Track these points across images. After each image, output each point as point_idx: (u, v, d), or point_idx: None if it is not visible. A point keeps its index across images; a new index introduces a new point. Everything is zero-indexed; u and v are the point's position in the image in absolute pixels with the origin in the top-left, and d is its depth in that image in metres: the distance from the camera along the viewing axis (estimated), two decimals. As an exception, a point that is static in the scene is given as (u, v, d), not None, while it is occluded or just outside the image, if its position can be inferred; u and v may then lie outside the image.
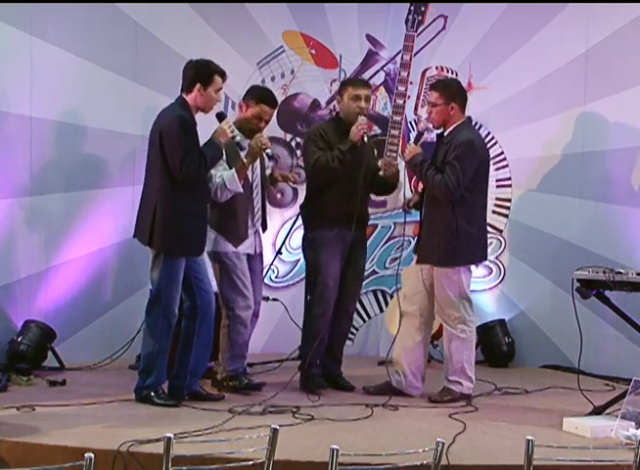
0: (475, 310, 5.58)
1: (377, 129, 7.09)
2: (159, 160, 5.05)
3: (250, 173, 5.51)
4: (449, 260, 5.38)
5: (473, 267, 5.64)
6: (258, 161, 5.58)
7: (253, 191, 5.57)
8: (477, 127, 6.88)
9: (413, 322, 5.53)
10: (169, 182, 5.03)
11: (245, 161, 5.37)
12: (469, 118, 5.56)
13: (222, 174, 5.34)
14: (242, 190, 5.39)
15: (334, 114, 5.91)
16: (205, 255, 5.41)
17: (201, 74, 5.09)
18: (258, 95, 5.60)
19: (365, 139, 5.55)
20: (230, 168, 5.37)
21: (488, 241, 6.86)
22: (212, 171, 5.32)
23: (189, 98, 5.11)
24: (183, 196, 5.05)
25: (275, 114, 6.51)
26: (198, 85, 5.08)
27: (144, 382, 5.16)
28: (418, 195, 5.69)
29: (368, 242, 6.91)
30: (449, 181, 5.28)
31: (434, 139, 5.66)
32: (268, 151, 5.41)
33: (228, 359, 5.54)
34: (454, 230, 5.34)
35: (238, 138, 5.23)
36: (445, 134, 5.47)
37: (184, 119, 5.03)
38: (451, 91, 5.45)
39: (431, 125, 5.71)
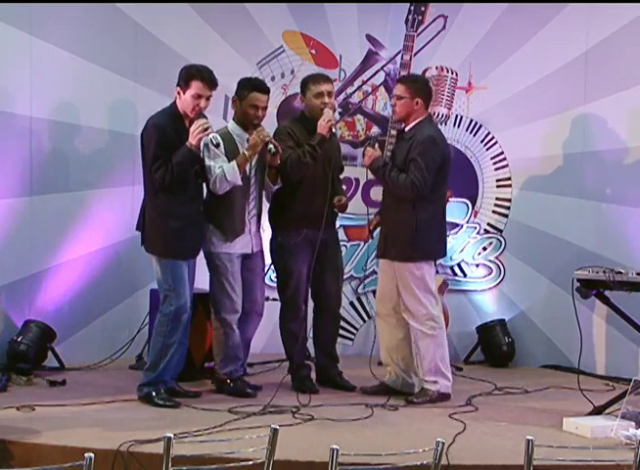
0: (439, 308, 5.50)
1: (377, 129, 7.09)
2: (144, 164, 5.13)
3: (247, 168, 5.41)
4: (410, 255, 5.34)
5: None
6: (258, 157, 5.54)
7: (250, 187, 5.49)
8: (476, 127, 6.89)
9: (389, 321, 5.51)
10: (153, 186, 5.07)
11: (246, 153, 5.29)
12: (430, 115, 5.56)
13: (222, 166, 5.25)
14: (241, 183, 5.31)
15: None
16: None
17: (181, 78, 5.08)
18: (248, 84, 5.49)
19: (333, 130, 5.54)
20: (229, 161, 5.29)
21: (488, 241, 6.93)
22: (212, 163, 5.26)
23: (177, 101, 5.12)
24: (170, 200, 5.06)
25: (275, 114, 6.49)
26: (177, 89, 5.07)
27: (147, 378, 5.16)
28: (378, 218, 5.65)
29: (368, 242, 6.92)
30: (415, 179, 5.25)
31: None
32: (271, 146, 5.30)
33: (220, 362, 5.50)
34: (414, 225, 5.30)
35: (211, 135, 5.14)
36: (407, 130, 5.46)
37: (157, 127, 5.03)
38: (417, 86, 5.44)
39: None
